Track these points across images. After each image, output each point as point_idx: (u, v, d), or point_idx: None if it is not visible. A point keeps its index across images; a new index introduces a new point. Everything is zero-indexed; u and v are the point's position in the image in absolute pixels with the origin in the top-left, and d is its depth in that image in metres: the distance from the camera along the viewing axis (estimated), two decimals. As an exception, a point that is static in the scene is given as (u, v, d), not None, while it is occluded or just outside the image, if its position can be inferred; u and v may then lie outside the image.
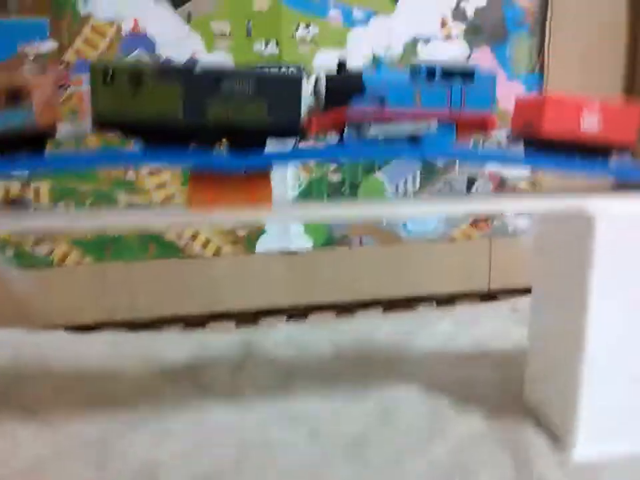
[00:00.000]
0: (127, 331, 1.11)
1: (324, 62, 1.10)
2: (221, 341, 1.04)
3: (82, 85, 1.03)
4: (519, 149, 0.66)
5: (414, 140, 0.60)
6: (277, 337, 1.06)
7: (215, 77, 0.54)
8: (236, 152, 0.57)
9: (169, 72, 0.54)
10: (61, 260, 1.09)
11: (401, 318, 1.16)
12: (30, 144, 0.54)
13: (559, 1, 1.15)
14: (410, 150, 0.61)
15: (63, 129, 0.58)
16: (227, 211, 0.59)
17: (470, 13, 1.13)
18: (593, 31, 1.19)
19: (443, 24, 1.13)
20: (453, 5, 1.13)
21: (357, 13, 1.09)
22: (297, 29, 1.08)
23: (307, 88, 0.57)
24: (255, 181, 0.59)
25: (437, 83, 0.58)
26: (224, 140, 0.57)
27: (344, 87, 0.58)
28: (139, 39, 1.04)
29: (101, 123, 0.54)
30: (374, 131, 0.58)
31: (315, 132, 0.58)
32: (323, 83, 0.58)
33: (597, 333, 0.63)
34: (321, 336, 1.05)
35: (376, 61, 0.60)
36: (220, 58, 1.06)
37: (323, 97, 0.58)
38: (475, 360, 0.95)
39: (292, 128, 0.57)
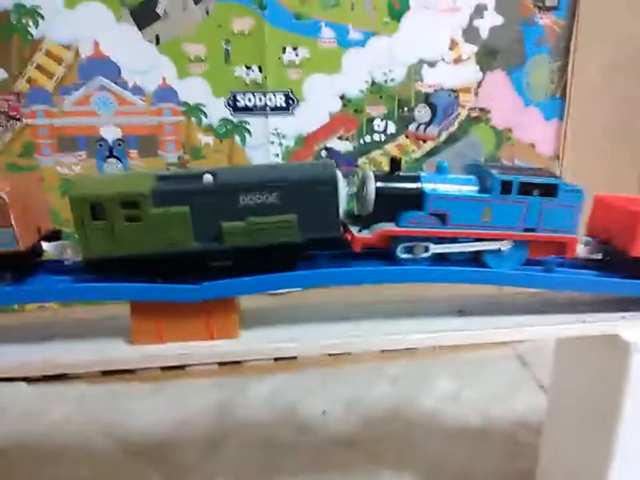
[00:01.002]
0: (97, 377, 1.01)
1: (316, 88, 0.96)
2: (197, 400, 0.94)
3: (36, 119, 0.90)
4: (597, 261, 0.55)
5: (476, 260, 0.51)
6: (261, 394, 0.96)
7: (229, 191, 0.45)
8: (262, 275, 0.47)
9: (171, 192, 0.44)
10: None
11: (398, 368, 1.06)
12: (11, 268, 0.45)
13: (585, 17, 1.00)
14: (473, 274, 0.50)
15: (51, 246, 0.48)
16: (180, 345, 0.48)
17: (484, 32, 0.98)
18: (622, 52, 1.04)
19: (453, 45, 0.98)
20: (465, 23, 0.98)
21: (353, 34, 0.95)
22: (283, 52, 0.94)
23: (343, 188, 0.47)
24: (216, 308, 0.48)
25: (511, 199, 0.48)
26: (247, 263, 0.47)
27: (398, 194, 0.48)
28: (100, 64, 0.90)
29: (96, 266, 0.45)
30: (430, 250, 0.48)
31: (357, 249, 0.48)
32: (372, 186, 0.48)
33: (624, 462, 0.54)
34: (310, 398, 0.95)
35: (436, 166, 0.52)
36: (194, 85, 0.93)
37: (371, 203, 0.48)
38: (479, 437, 0.85)
39: (329, 243, 0.47)
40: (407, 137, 1.02)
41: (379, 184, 0.48)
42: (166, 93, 0.93)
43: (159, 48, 0.91)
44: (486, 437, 0.85)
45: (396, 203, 0.48)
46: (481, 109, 1.03)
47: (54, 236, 0.49)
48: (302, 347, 0.48)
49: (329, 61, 0.96)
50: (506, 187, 0.48)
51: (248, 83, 0.94)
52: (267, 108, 0.95)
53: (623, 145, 1.09)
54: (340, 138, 1.00)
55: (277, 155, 0.98)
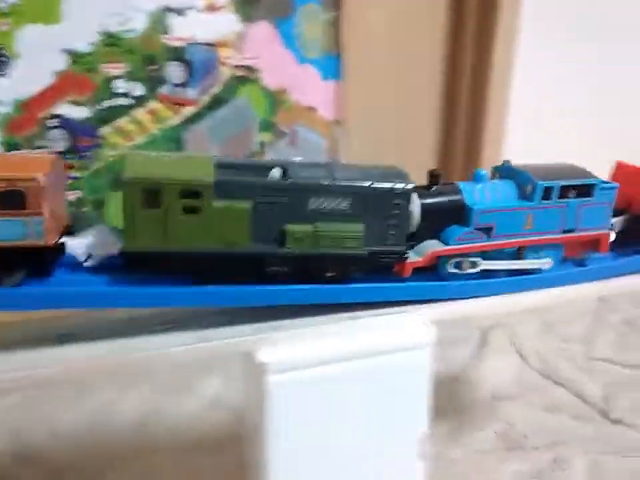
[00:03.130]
0: None
1: (32, 42, 0.78)
2: None
3: None
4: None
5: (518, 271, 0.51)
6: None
7: (301, 191, 0.42)
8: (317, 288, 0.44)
9: (235, 184, 0.40)
10: None
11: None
12: (29, 265, 0.39)
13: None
14: (522, 283, 0.51)
15: (76, 244, 0.42)
16: None
17: (239, -26, 0.85)
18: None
19: (202, -11, 0.84)
20: (214, -38, 0.83)
21: (72, -29, 0.77)
22: (-23, -6, 0.75)
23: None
24: None
25: (552, 204, 0.50)
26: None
27: (443, 210, 0.48)
28: None
29: (137, 259, 0.40)
30: (477, 266, 0.49)
31: (407, 274, 0.47)
32: (416, 203, 0.47)
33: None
34: (47, 419, 0.80)
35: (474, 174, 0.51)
36: None
37: (416, 222, 0.47)
38: (227, 450, 0.75)
39: (391, 258, 0.46)
40: (160, 100, 0.87)
41: (423, 200, 0.47)
42: None
43: None
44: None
45: (440, 219, 0.48)
46: (247, 67, 0.90)
47: (69, 232, 0.43)
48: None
49: (44, 7, 0.77)
50: (547, 192, 0.49)
51: None
52: (-34, 66, 0.76)
53: (412, 104, 1.02)
54: (73, 103, 0.83)
55: (-10, 126, 0.80)
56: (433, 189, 0.48)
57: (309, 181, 0.42)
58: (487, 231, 0.49)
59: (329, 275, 0.44)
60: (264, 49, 0.89)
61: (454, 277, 0.49)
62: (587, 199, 0.50)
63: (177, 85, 0.87)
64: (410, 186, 0.44)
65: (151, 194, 0.38)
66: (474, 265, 0.48)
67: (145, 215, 0.38)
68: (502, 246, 0.49)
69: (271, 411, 0.41)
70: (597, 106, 1.12)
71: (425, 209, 0.47)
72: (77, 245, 0.41)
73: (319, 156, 0.83)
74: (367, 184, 0.43)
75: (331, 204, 0.42)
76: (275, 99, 0.93)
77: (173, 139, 0.89)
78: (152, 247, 0.39)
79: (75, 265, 0.42)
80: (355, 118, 0.97)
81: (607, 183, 0.52)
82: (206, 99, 0.89)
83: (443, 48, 1.01)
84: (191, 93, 0.88)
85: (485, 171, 0.51)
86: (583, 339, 0.95)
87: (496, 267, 0.50)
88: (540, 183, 0.48)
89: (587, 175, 0.51)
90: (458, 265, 0.48)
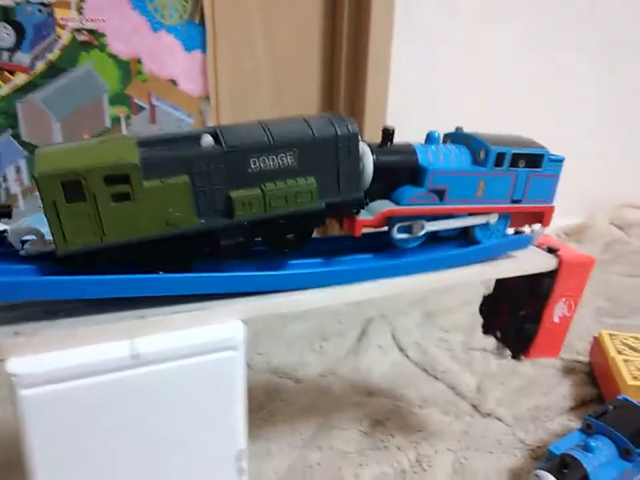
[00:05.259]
0: None
1: None
2: None
3: None
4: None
5: (466, 236, 0.50)
6: None
7: (237, 154, 0.37)
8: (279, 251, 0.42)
9: (166, 160, 0.36)
10: None
11: None
12: None
13: None
14: (471, 254, 0.49)
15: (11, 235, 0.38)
16: None
17: None
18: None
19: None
20: None
21: None
22: None
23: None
24: None
25: (503, 170, 0.48)
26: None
27: (396, 169, 0.45)
28: None
29: (73, 260, 0.35)
30: (428, 227, 0.46)
31: (358, 233, 0.44)
32: (369, 160, 0.43)
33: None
34: None
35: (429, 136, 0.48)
36: None
37: (369, 180, 0.44)
38: None
39: (349, 207, 0.43)
40: (-16, 66, 0.76)
41: (376, 158, 0.44)
42: None
43: None
44: None
45: (392, 178, 0.46)
46: (91, 31, 0.80)
47: (3, 212, 0.39)
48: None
49: None
50: (499, 159, 0.48)
51: None
52: None
53: (289, 76, 0.94)
54: None
55: None
56: (387, 146, 0.45)
57: (246, 142, 0.38)
58: (440, 194, 0.47)
59: (289, 236, 0.41)
60: (108, 12, 0.80)
61: (403, 241, 0.47)
62: (536, 169, 0.50)
63: (5, 50, 0.76)
64: (355, 128, 0.41)
65: (72, 186, 0.33)
66: (422, 227, 0.46)
67: (71, 211, 0.34)
68: (453, 211, 0.48)
69: (28, 426, 0.33)
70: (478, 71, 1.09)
71: (378, 166, 0.44)
72: (13, 231, 0.38)
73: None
74: (308, 133, 0.39)
75: (274, 161, 0.39)
76: (128, 69, 0.83)
77: (4, 111, 0.78)
78: (86, 244, 0.35)
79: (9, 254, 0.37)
80: (225, 93, 0.89)
81: (555, 155, 0.50)
82: (41, 65, 0.78)
83: (320, 15, 0.94)
84: (22, 58, 0.77)
85: (438, 133, 0.49)
86: (464, 328, 0.90)
87: (442, 227, 0.47)
88: (494, 148, 0.47)
89: (536, 145, 0.50)
90: (407, 227, 0.46)
